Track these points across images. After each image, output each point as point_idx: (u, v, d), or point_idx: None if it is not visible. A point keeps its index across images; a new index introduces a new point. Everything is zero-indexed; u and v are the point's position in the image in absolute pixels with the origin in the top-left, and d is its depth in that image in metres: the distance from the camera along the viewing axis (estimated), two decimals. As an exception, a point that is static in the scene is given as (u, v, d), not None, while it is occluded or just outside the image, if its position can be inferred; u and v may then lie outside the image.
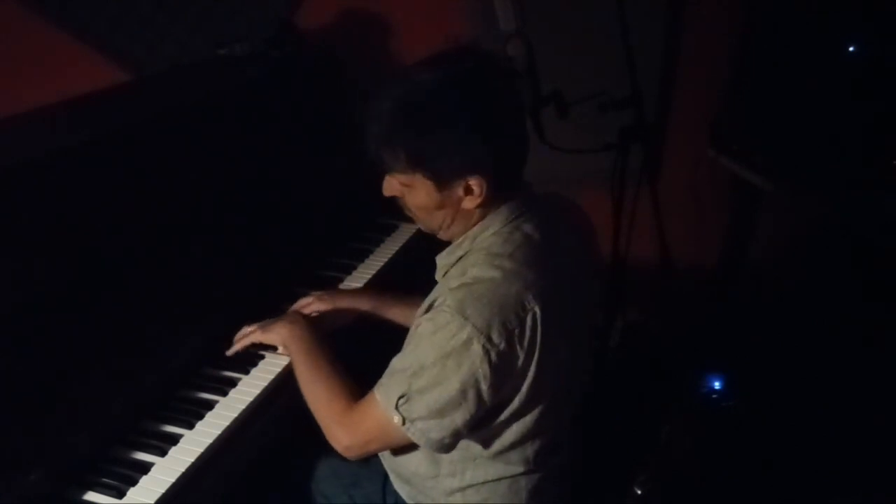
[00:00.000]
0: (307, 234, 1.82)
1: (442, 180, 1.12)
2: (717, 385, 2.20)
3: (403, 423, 1.14)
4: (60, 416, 1.23)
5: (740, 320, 2.42)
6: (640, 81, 1.82)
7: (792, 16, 2.15)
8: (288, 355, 1.41)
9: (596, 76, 1.85)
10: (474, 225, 1.19)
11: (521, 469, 1.26)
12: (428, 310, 1.18)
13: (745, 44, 2.31)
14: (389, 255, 1.88)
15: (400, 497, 1.39)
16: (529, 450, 1.24)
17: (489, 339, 1.06)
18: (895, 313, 1.99)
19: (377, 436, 1.20)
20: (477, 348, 1.06)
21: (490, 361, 1.07)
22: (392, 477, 1.40)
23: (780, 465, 1.98)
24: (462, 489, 1.28)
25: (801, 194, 2.14)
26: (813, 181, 2.09)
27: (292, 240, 1.77)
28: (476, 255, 1.16)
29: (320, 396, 1.27)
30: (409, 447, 1.26)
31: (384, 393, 1.17)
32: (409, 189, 1.16)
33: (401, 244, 1.92)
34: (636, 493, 1.44)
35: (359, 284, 1.76)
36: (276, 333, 1.41)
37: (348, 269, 1.81)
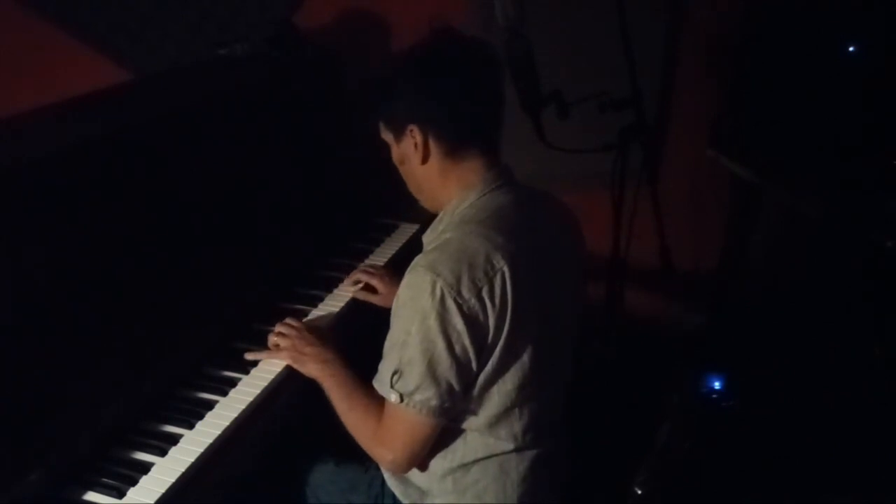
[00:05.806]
0: (307, 233, 1.82)
1: (394, 128, 1.27)
2: (717, 385, 2.20)
3: (402, 399, 1.17)
4: (60, 416, 1.23)
5: (740, 320, 2.42)
6: (640, 81, 1.82)
7: (792, 16, 2.15)
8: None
9: (596, 76, 1.85)
10: (451, 198, 1.27)
11: (510, 446, 1.27)
12: None
13: (744, 44, 2.31)
14: (389, 255, 1.88)
15: (397, 499, 1.39)
16: (517, 425, 1.26)
17: (459, 293, 1.13)
18: (895, 313, 1.99)
19: (402, 432, 1.22)
20: (451, 304, 1.13)
21: (464, 315, 1.13)
22: (386, 476, 1.40)
23: (779, 464, 1.98)
24: (453, 470, 1.29)
25: (801, 194, 2.14)
26: (812, 181, 2.09)
27: (292, 240, 1.77)
28: (452, 225, 1.25)
29: (359, 425, 1.31)
30: None
31: (380, 380, 1.23)
32: (390, 147, 1.32)
33: (401, 244, 1.92)
34: (636, 493, 1.45)
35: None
36: (309, 369, 1.42)
37: (348, 269, 1.81)
